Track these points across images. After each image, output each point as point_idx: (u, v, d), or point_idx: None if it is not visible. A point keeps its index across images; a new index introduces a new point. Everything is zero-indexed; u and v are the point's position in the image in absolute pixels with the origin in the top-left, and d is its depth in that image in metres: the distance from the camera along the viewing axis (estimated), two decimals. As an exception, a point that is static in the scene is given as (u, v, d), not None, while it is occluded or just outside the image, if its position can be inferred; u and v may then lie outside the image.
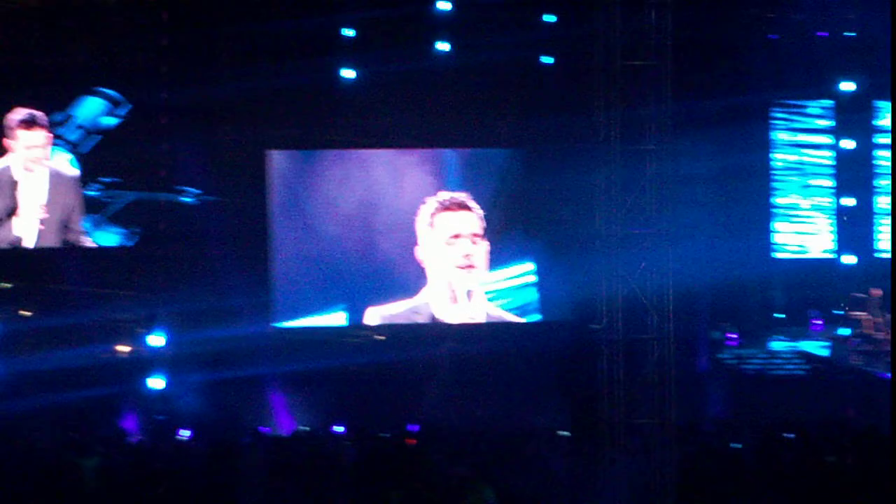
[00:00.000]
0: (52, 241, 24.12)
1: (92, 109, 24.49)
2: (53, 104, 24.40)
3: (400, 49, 25.24)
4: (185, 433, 20.86)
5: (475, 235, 24.01)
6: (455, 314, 23.93)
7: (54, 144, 24.24)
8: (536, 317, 24.56)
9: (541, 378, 22.80)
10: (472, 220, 24.16)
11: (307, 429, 21.38)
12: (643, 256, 17.34)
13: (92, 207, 24.35)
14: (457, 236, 24.08)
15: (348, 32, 25.84)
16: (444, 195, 24.43)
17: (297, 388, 23.99)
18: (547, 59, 25.99)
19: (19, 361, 24.11)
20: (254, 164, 25.16)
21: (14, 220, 24.11)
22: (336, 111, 25.67)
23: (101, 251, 24.74)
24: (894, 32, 17.28)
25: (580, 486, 15.12)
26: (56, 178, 23.98)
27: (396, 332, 25.24)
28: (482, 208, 24.29)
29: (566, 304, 23.64)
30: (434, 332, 24.94)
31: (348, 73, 25.86)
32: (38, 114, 23.78)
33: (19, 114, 23.73)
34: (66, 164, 24.14)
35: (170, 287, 25.05)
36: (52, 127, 24.20)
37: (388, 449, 16.76)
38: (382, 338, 25.86)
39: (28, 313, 26.77)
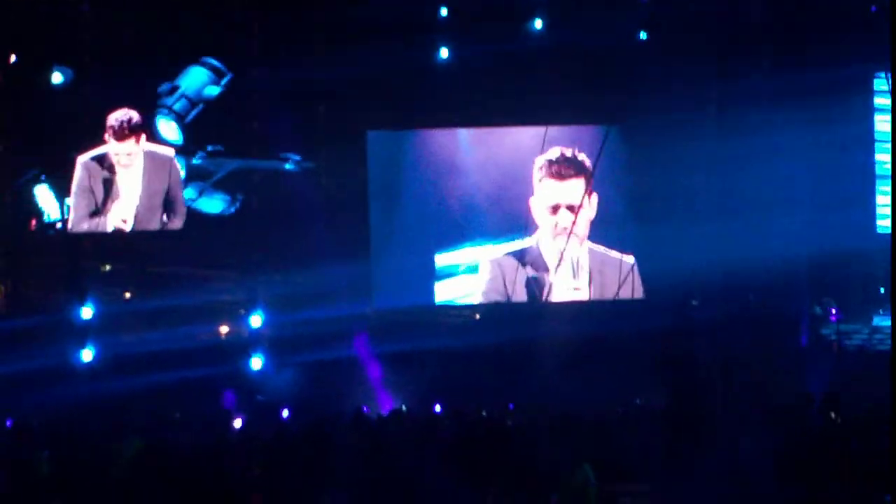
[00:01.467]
0: (152, 222, 24.35)
1: (196, 80, 24.80)
2: (160, 75, 24.78)
3: (495, 28, 25.16)
4: (284, 413, 20.96)
5: (575, 206, 23.99)
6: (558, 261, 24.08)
7: (158, 113, 24.55)
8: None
9: (640, 356, 22.61)
10: (574, 189, 24.33)
11: (406, 408, 21.38)
12: (742, 231, 17.15)
13: (196, 175, 24.62)
14: (556, 207, 24.14)
15: (443, 12, 25.84)
16: (555, 153, 24.57)
17: (396, 368, 24.02)
18: (643, 35, 25.74)
19: (121, 343, 24.40)
20: (352, 144, 25.30)
21: (115, 204, 24.39)
22: (433, 91, 25.66)
23: (202, 233, 24.95)
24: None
25: (680, 466, 14.96)
26: (151, 159, 24.22)
27: (494, 312, 25.26)
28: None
29: (666, 280, 23.44)
30: (534, 312, 24.94)
31: (444, 53, 25.86)
32: (134, 119, 24.03)
33: (113, 120, 24.08)
34: (162, 146, 24.40)
35: (270, 268, 25.23)
36: (158, 97, 24.64)
37: (487, 429, 16.69)
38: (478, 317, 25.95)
39: (129, 295, 27.10)
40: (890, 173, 25.17)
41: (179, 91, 24.72)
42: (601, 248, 24.83)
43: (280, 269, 25.03)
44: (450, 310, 25.86)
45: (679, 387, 18.83)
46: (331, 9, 24.73)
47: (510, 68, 25.20)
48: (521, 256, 24.82)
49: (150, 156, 24.29)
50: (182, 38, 24.92)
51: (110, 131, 23.99)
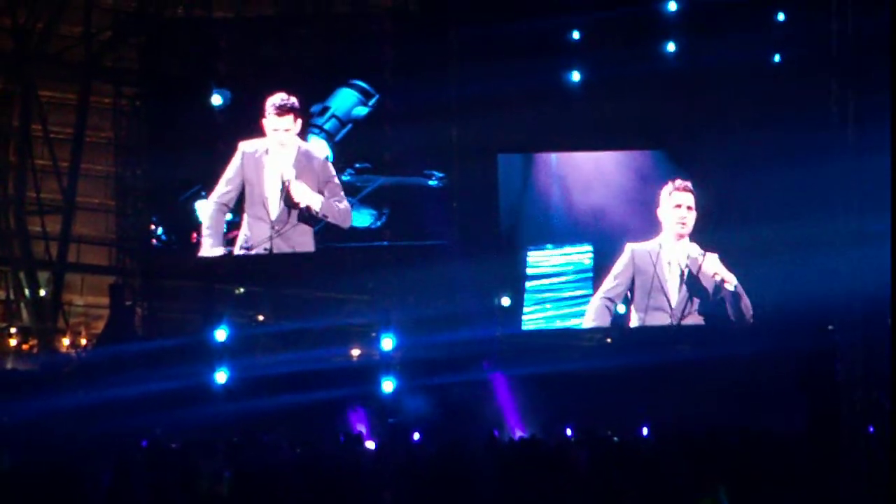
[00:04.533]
0: (325, 212, 24.63)
1: (346, 101, 25.27)
2: (313, 96, 25.21)
3: (627, 51, 25.09)
4: (415, 436, 20.97)
5: (689, 207, 24.58)
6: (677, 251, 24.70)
7: (310, 132, 25.04)
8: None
9: (777, 379, 22.28)
10: (691, 198, 24.63)
11: (537, 433, 21.29)
12: (882, 253, 16.79)
13: (346, 191, 24.92)
14: (678, 206, 24.41)
15: (575, 35, 25.84)
16: (679, 182, 24.78)
17: (526, 391, 23.93)
18: (777, 58, 25.49)
19: (254, 365, 24.64)
20: (483, 164, 25.40)
21: (263, 200, 24.74)
22: (563, 113, 25.62)
23: (334, 257, 25.15)
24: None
25: (818, 490, 14.72)
26: (305, 156, 24.60)
27: (629, 335, 25.12)
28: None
29: (803, 303, 23.10)
30: (667, 334, 24.78)
31: (575, 76, 25.85)
32: (291, 100, 24.49)
33: (276, 98, 24.49)
34: (319, 147, 24.78)
35: (402, 290, 25.34)
36: (310, 117, 25.15)
37: (620, 452, 16.57)
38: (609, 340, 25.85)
39: (262, 318, 27.42)
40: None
41: (330, 111, 25.25)
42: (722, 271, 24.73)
43: (412, 292, 25.11)
44: (581, 332, 25.77)
45: (818, 410, 18.54)
46: (465, 30, 24.93)
47: (641, 91, 25.06)
48: (649, 280, 24.74)
49: (303, 152, 24.65)
50: (329, 61, 25.62)
51: (272, 108, 24.45)
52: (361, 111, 25.29)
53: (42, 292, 28.89)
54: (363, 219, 25.12)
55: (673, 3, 25.61)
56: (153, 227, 25.45)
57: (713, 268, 24.52)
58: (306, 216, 24.56)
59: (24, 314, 29.34)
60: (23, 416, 20.90)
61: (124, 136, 26.83)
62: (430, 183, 25.14)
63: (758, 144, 24.70)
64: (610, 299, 24.64)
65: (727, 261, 24.54)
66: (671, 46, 25.68)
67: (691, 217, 24.67)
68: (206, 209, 24.64)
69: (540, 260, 25.37)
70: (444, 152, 25.35)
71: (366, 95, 25.35)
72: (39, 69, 28.97)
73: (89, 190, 29.92)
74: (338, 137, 25.22)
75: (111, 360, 23.73)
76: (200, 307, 26.95)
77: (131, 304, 26.43)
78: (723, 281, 24.47)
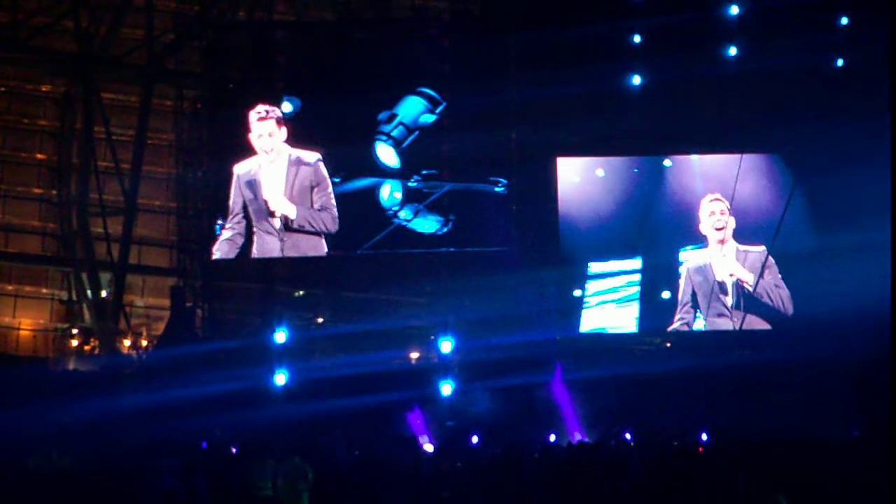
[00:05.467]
0: (300, 222, 24.77)
1: (413, 109, 25.37)
2: (380, 104, 25.37)
3: (688, 55, 24.97)
4: (473, 439, 20.97)
5: (723, 212, 25.20)
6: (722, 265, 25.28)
7: (378, 139, 25.15)
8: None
9: (834, 384, 22.13)
10: (724, 205, 25.21)
11: (596, 437, 21.25)
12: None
13: (412, 197, 25.05)
14: (713, 213, 25.19)
15: (636, 39, 25.80)
16: (710, 196, 25.22)
17: (585, 394, 23.88)
18: (839, 62, 25.33)
19: (313, 367, 24.73)
20: (542, 168, 25.40)
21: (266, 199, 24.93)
22: (622, 117, 25.54)
23: (393, 259, 25.23)
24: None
25: (875, 496, 14.61)
26: (296, 162, 24.80)
27: (686, 339, 25.05)
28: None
29: (861, 307, 22.94)
30: (725, 339, 24.70)
31: (636, 80, 25.80)
32: (273, 110, 24.76)
33: (258, 108, 24.85)
34: (306, 151, 24.90)
35: (460, 293, 25.36)
36: (377, 124, 25.27)
37: (679, 457, 16.52)
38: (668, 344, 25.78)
39: (321, 320, 27.50)
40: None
41: (397, 119, 25.33)
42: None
43: (471, 295, 25.12)
44: (639, 337, 25.75)
45: (874, 415, 18.37)
46: (525, 33, 24.94)
47: (702, 95, 24.97)
48: (706, 281, 24.91)
49: (294, 160, 24.80)
50: (389, 66, 25.60)
51: (254, 117, 24.72)
52: (429, 119, 25.39)
53: (104, 293, 29.10)
54: (430, 225, 25.21)
55: (735, 7, 25.51)
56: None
57: (730, 268, 24.99)
58: (294, 227, 24.83)
59: (86, 315, 29.59)
60: (84, 417, 21.08)
61: (185, 139, 27.02)
62: (497, 190, 25.16)
63: (820, 148, 24.51)
64: (685, 322, 25.01)
65: (786, 264, 24.52)
66: (732, 50, 25.53)
67: (728, 220, 25.17)
68: (221, 247, 24.95)
69: (597, 266, 25.41)
70: (504, 157, 25.35)
71: (433, 103, 25.42)
72: (102, 72, 29.19)
73: (150, 192, 30.13)
74: (405, 144, 25.30)
75: (171, 361, 23.88)
76: (260, 309, 27.06)
77: (192, 305, 26.61)
78: (741, 281, 24.94)
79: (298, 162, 24.84)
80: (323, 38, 26.61)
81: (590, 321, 25.26)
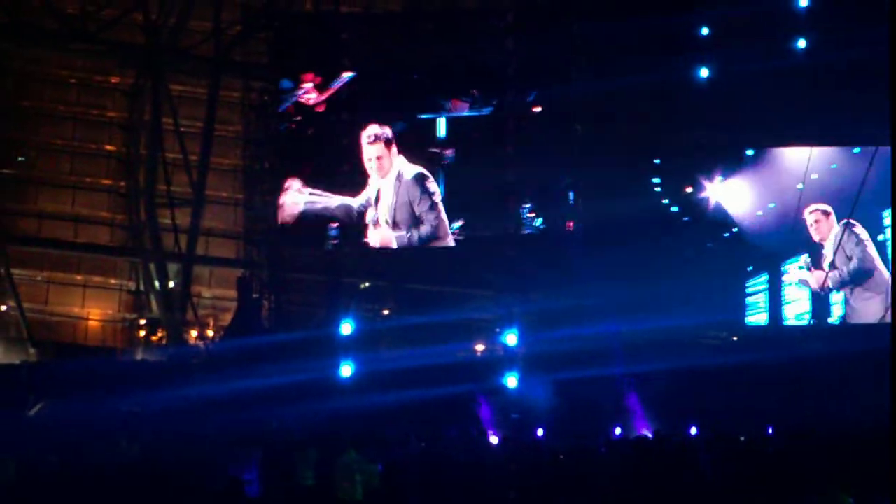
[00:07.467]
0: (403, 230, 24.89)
1: (461, 108, 25.28)
2: (423, 106, 25.43)
3: (756, 48, 24.78)
4: (539, 432, 20.94)
5: (817, 221, 25.82)
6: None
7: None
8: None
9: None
10: (819, 214, 25.59)
11: (661, 431, 21.12)
12: None
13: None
14: (813, 212, 25.42)
15: (704, 31, 25.64)
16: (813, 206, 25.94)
17: (650, 388, 23.75)
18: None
19: (379, 359, 24.77)
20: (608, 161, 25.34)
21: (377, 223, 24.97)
22: (691, 111, 25.40)
23: (460, 252, 25.21)
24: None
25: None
26: (398, 179, 24.79)
27: (756, 333, 24.93)
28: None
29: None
30: (797, 334, 24.59)
31: (704, 73, 25.64)
32: (384, 130, 24.79)
33: (368, 130, 24.95)
34: (409, 166, 24.82)
35: (525, 287, 25.32)
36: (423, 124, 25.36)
37: (746, 451, 16.40)
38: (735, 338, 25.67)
39: (387, 312, 27.55)
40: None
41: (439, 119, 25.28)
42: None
43: (536, 287, 25.08)
44: (706, 329, 25.68)
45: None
46: (589, 25, 24.85)
47: (771, 88, 24.78)
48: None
49: (398, 177, 24.76)
50: (445, 68, 25.62)
51: (364, 139, 24.75)
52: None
53: (171, 284, 29.28)
54: None
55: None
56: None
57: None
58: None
59: (154, 306, 29.77)
60: (151, 407, 21.23)
61: (253, 130, 27.12)
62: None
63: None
64: None
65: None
66: (801, 42, 25.29)
67: (823, 222, 25.83)
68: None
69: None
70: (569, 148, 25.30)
71: (482, 102, 25.31)
72: (170, 64, 29.34)
73: (218, 183, 30.27)
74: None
75: (238, 352, 24.01)
76: (326, 301, 27.14)
77: (258, 296, 26.72)
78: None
79: (400, 178, 24.84)
80: (388, 29, 26.60)
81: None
